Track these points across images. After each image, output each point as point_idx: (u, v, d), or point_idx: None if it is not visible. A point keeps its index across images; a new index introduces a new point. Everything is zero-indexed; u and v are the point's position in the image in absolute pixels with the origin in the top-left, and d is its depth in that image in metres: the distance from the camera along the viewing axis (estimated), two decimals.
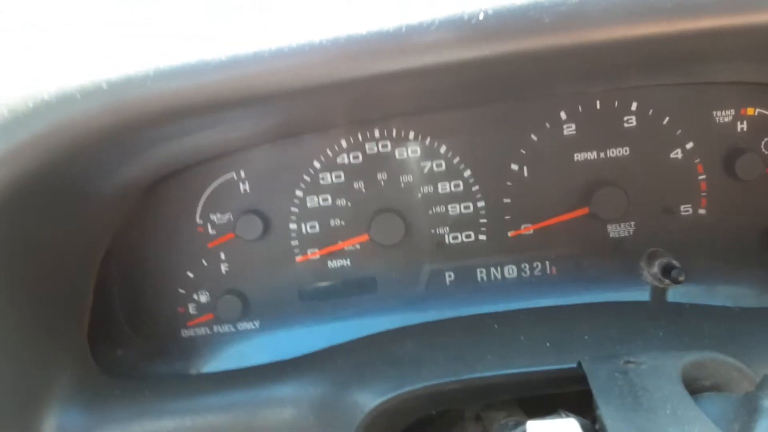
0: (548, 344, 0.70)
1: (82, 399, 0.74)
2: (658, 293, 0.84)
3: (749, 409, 0.54)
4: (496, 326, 0.75)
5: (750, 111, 0.90)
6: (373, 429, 0.70)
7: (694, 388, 0.62)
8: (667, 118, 0.89)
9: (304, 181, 0.92)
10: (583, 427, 0.57)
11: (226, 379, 0.76)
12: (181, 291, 0.94)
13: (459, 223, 0.93)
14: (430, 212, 0.93)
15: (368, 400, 0.70)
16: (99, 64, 0.56)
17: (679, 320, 0.75)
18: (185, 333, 0.96)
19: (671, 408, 0.54)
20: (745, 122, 0.90)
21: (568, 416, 0.59)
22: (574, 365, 0.65)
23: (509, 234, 0.94)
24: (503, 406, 0.78)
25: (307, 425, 0.71)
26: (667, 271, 0.82)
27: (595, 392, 0.58)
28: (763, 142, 0.91)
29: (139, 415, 0.73)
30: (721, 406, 0.57)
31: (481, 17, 0.53)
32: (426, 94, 0.84)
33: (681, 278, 0.80)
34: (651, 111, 0.89)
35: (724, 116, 0.90)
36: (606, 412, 0.55)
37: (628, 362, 0.62)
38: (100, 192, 0.74)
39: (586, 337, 0.71)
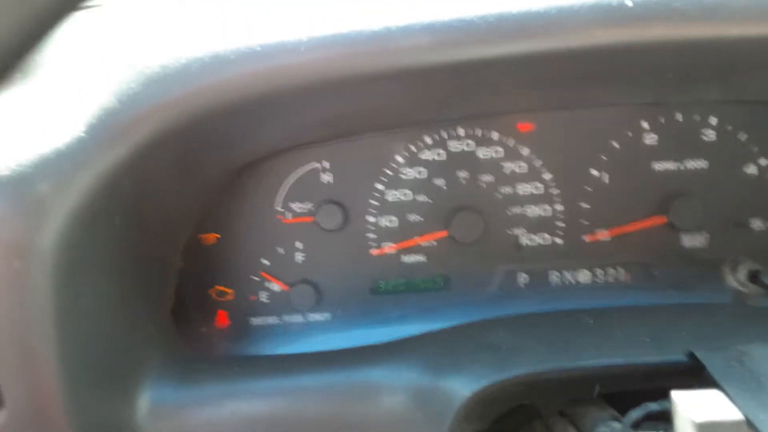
0: (648, 339, 0.71)
1: (173, 375, 0.73)
2: (742, 297, 0.85)
3: None
4: (591, 321, 0.76)
5: None
6: (470, 418, 0.69)
7: None
8: (744, 135, 0.92)
9: (386, 175, 0.93)
10: None
11: (319, 359, 0.75)
12: (255, 278, 0.94)
13: (536, 225, 0.94)
14: (509, 213, 0.94)
15: (465, 386, 0.69)
16: (251, 31, 0.58)
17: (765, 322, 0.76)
18: (255, 321, 0.95)
19: None
20: None
21: None
22: (684, 357, 0.65)
23: (585, 239, 0.95)
24: (586, 403, 0.77)
25: (399, 409, 0.71)
26: (754, 276, 0.83)
27: (717, 378, 0.58)
28: None
29: (231, 394, 0.72)
30: None
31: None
32: (510, 95, 0.87)
33: None
34: (729, 126, 0.92)
35: None
36: (733, 393, 0.55)
37: (740, 353, 0.63)
38: (204, 168, 0.75)
39: (683, 333, 0.71)
